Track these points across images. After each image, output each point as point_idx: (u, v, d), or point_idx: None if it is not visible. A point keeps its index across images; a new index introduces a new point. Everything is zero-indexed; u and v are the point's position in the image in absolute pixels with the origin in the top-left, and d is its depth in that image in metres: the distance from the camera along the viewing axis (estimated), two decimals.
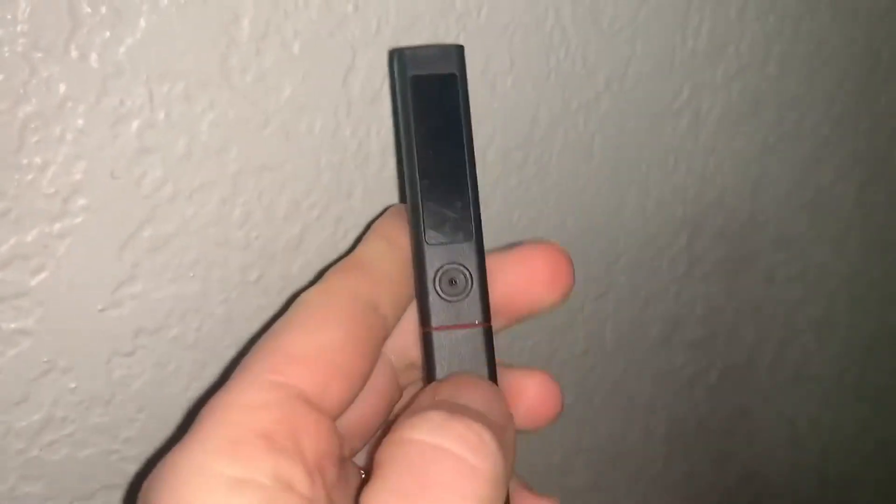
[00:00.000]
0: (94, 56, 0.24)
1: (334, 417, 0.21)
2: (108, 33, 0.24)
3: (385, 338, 0.23)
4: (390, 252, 0.24)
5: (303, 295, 0.23)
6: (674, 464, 0.48)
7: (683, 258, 0.42)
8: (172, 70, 0.26)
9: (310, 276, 0.30)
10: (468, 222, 0.24)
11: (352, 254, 0.24)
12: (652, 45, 0.36)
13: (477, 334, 0.24)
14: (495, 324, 0.25)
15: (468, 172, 0.24)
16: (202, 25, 0.26)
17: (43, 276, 0.26)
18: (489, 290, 0.25)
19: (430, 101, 0.24)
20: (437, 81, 0.24)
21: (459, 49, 0.24)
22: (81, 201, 0.25)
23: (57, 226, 0.25)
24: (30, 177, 0.25)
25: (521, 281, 0.25)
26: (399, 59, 0.24)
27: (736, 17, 0.39)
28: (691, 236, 0.42)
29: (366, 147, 0.30)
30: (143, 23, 0.25)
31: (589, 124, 0.36)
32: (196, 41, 0.26)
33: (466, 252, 0.24)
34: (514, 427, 0.23)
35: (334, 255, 0.31)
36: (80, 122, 0.25)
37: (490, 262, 0.25)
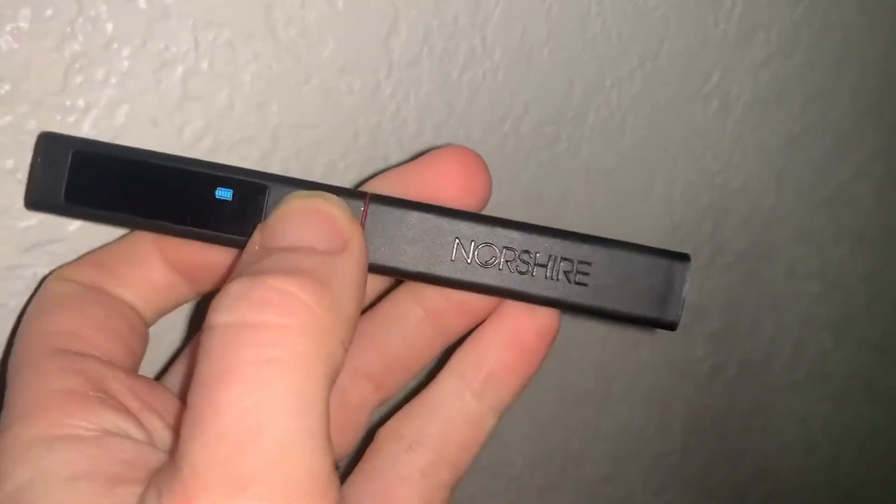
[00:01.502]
0: None
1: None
2: None
3: None
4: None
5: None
6: (689, 458, 0.47)
7: (707, 247, 0.42)
8: (218, 18, 0.25)
9: None
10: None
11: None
12: (685, 26, 0.36)
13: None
14: None
15: None
16: None
17: (80, 222, 0.25)
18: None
19: None
20: None
21: None
22: None
23: None
24: (72, 119, 0.24)
25: (432, 188, 0.24)
26: None
27: (767, 3, 0.39)
28: (716, 225, 0.42)
29: (403, 111, 0.30)
30: None
31: (621, 102, 0.35)
32: None
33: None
34: (358, 243, 0.21)
35: None
36: (125, 64, 0.24)
37: (397, 173, 0.24)
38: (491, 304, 0.25)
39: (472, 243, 0.23)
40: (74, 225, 0.25)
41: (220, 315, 0.18)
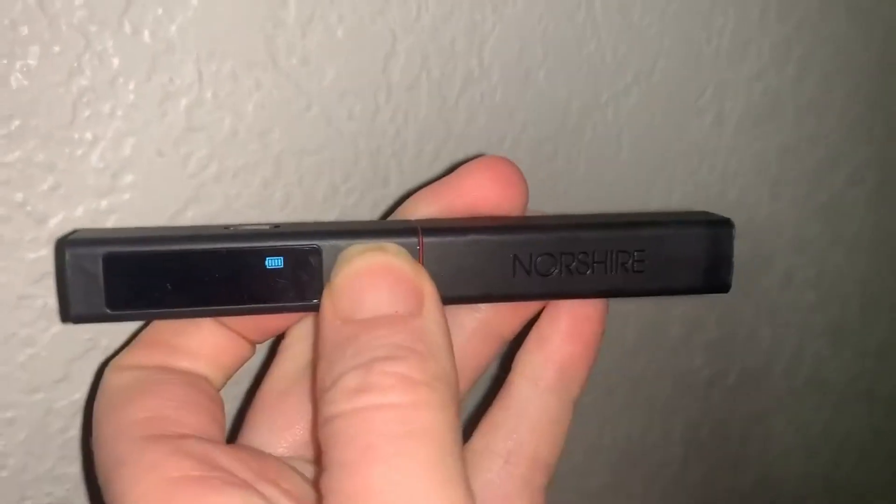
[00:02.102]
0: (146, 32, 0.25)
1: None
2: (160, 10, 0.25)
3: None
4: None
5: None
6: (690, 467, 0.48)
7: None
8: (221, 49, 0.26)
9: None
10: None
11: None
12: (678, 42, 0.37)
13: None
14: None
15: None
16: (251, 5, 0.26)
17: None
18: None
19: None
20: None
21: None
22: (129, 178, 0.26)
23: (104, 202, 0.25)
24: (80, 151, 0.25)
25: (472, 201, 0.24)
26: None
27: (758, 18, 0.39)
28: None
29: (403, 134, 0.30)
30: (194, 1, 0.25)
31: (618, 118, 0.36)
32: (244, 21, 0.26)
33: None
34: (431, 293, 0.21)
35: None
36: (131, 97, 0.25)
37: (435, 191, 0.24)
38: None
39: (531, 255, 0.23)
40: None
41: (342, 405, 0.19)
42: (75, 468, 0.27)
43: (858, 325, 0.52)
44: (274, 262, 0.21)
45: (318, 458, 0.22)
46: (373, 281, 0.21)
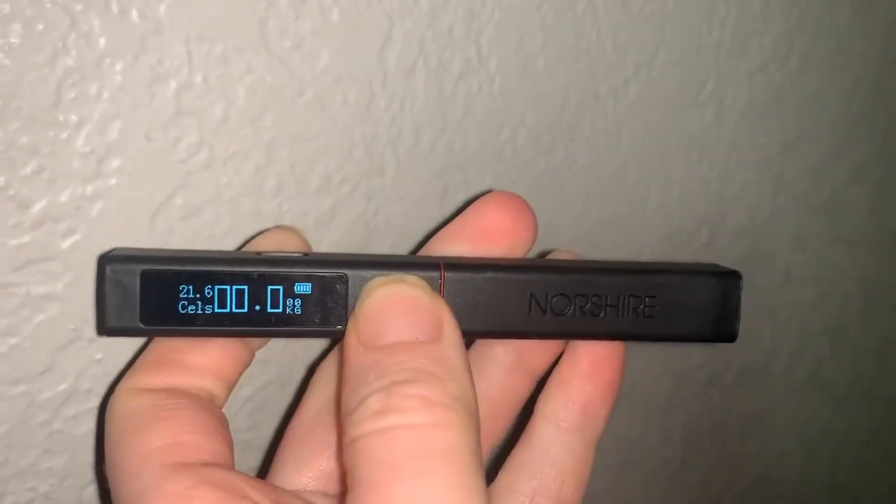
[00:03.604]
0: (134, 12, 0.24)
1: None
2: None
3: None
4: None
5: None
6: (690, 466, 0.47)
7: (704, 255, 0.42)
8: (211, 31, 0.25)
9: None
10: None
11: None
12: (679, 34, 0.36)
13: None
14: None
15: None
16: None
17: (74, 239, 0.25)
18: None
19: None
20: None
21: None
22: (115, 163, 0.25)
23: (90, 187, 0.25)
24: (65, 134, 0.24)
25: (488, 235, 0.25)
26: None
27: (760, 10, 0.39)
28: (712, 232, 0.42)
29: (399, 121, 0.29)
30: None
31: (617, 111, 0.35)
32: (236, 2, 0.25)
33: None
34: (450, 321, 0.22)
35: (364, 234, 0.30)
36: (118, 79, 0.24)
37: (454, 230, 0.26)
38: None
39: (547, 295, 0.24)
40: (68, 242, 0.25)
41: (365, 426, 0.20)
42: (59, 462, 0.26)
43: (859, 325, 0.52)
44: (302, 288, 0.22)
45: (343, 488, 0.23)
46: (394, 309, 0.22)
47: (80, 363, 0.26)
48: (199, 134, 0.26)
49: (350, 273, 0.23)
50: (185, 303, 0.22)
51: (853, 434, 0.54)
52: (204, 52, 0.25)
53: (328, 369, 0.26)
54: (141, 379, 0.22)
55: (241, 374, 0.24)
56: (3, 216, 0.24)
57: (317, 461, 0.25)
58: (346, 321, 0.22)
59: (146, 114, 0.25)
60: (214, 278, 0.22)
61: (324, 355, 0.28)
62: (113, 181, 0.25)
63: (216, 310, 0.22)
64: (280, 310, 0.22)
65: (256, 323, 0.22)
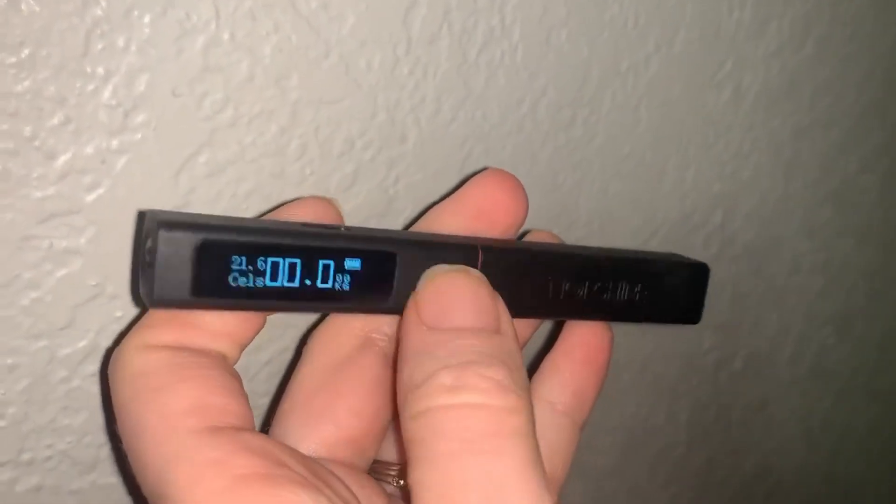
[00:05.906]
0: None
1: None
2: None
3: None
4: None
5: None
6: (694, 451, 0.47)
7: (717, 237, 0.42)
8: None
9: (358, 221, 0.30)
10: None
11: None
12: (700, 12, 0.36)
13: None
14: None
15: None
16: None
17: (98, 193, 0.25)
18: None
19: None
20: None
21: None
22: (141, 117, 0.25)
23: (115, 141, 0.24)
24: (92, 86, 0.24)
25: (486, 210, 0.26)
26: None
27: None
28: (725, 215, 0.42)
29: (422, 88, 0.29)
30: None
31: (637, 87, 0.35)
32: None
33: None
34: (507, 318, 0.23)
35: (384, 202, 0.30)
36: (146, 31, 0.24)
37: (455, 202, 0.26)
38: None
39: (563, 280, 0.26)
40: (92, 196, 0.24)
41: (436, 399, 0.20)
42: (78, 420, 0.26)
43: (864, 316, 0.52)
44: (352, 264, 0.22)
45: (350, 454, 0.24)
46: (460, 296, 0.23)
47: (101, 320, 0.26)
48: (225, 91, 0.26)
49: (399, 251, 0.23)
50: (237, 275, 0.20)
51: (854, 426, 0.55)
52: (232, 8, 0.25)
53: (324, 337, 0.26)
54: (152, 335, 0.21)
55: (253, 338, 0.23)
56: (29, 167, 0.23)
57: (321, 429, 0.24)
58: (391, 299, 0.23)
59: (173, 68, 0.25)
60: (270, 249, 0.21)
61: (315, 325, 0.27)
62: (138, 135, 0.25)
63: (267, 283, 0.21)
64: (329, 285, 0.22)
65: (306, 297, 0.21)
